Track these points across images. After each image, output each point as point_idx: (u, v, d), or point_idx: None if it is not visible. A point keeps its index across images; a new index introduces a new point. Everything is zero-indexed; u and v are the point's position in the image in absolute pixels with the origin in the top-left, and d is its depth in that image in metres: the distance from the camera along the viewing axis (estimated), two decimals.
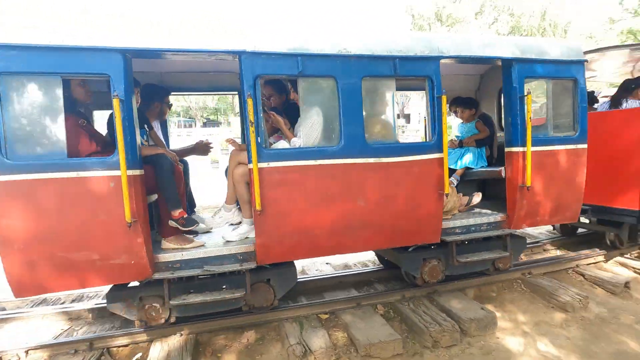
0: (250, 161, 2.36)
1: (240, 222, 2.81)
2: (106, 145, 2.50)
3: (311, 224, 2.56)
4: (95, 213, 2.20)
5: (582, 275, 3.45)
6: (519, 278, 3.36)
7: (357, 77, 2.56)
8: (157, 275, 2.38)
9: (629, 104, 3.75)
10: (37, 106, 2.11)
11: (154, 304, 2.49)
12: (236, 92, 3.69)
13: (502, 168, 3.17)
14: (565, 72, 3.12)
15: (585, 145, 3.16)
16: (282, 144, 2.71)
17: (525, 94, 2.88)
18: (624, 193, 3.52)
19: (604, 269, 3.63)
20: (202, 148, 3.19)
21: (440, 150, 2.76)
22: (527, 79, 2.97)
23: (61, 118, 2.13)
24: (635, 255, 3.92)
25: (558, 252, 4.11)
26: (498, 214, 3.16)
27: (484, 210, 3.33)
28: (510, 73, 2.95)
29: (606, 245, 3.91)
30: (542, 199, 3.06)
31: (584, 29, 23.17)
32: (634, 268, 3.59)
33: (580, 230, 4.56)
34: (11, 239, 2.10)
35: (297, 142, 2.62)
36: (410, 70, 2.70)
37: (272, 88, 3.04)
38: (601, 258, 3.74)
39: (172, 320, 2.58)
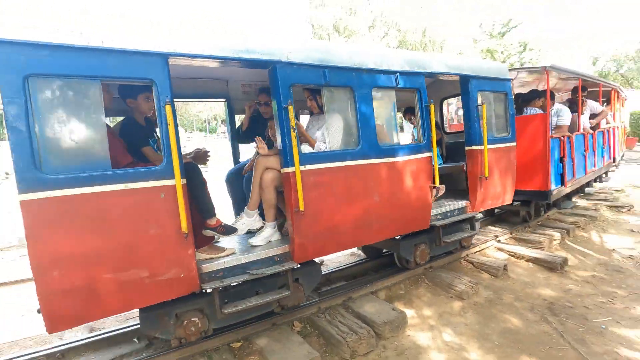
0: (286, 165, 2.51)
1: (261, 227, 2.86)
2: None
3: (339, 220, 2.79)
4: (145, 226, 2.06)
5: (472, 263, 3.89)
6: (422, 273, 3.61)
7: (369, 87, 2.93)
8: (206, 286, 2.32)
9: (529, 111, 4.97)
10: (75, 113, 1.92)
11: (192, 319, 2.37)
12: (223, 100, 3.72)
13: (464, 163, 3.95)
14: (501, 87, 4.02)
15: (515, 143, 4.20)
16: (306, 149, 2.84)
17: (480, 103, 3.69)
18: (530, 179, 4.71)
19: (487, 255, 4.16)
20: (201, 156, 2.91)
21: (430, 150, 3.35)
22: (479, 91, 3.75)
23: (102, 126, 2.00)
24: (510, 238, 4.60)
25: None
26: (463, 201, 3.85)
27: (447, 200, 3.93)
28: (468, 87, 3.70)
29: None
30: (493, 186, 3.94)
31: (456, 46, 27.11)
32: (508, 252, 4.19)
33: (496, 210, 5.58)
34: (48, 265, 1.83)
35: (322, 146, 2.81)
36: (406, 83, 3.18)
37: (266, 95, 3.21)
38: (485, 245, 4.28)
39: (210, 333, 2.49)
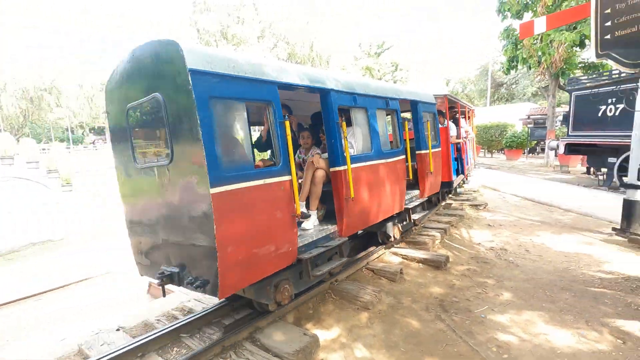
0: (337, 165, 3.39)
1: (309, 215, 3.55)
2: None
3: (365, 205, 3.76)
4: (274, 211, 2.70)
5: (373, 270, 4.05)
6: (329, 288, 3.58)
7: (374, 108, 4.08)
8: (301, 256, 2.95)
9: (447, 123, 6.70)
10: (234, 125, 2.66)
11: (285, 286, 2.96)
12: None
13: (414, 163, 5.35)
14: (432, 109, 5.83)
15: (440, 149, 6.19)
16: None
17: (425, 121, 5.37)
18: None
19: (385, 260, 4.40)
20: None
21: (405, 154, 4.71)
22: (423, 111, 5.34)
23: (247, 135, 2.87)
24: (402, 245, 4.98)
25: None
26: (416, 190, 5.31)
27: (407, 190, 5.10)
28: (417, 108, 5.21)
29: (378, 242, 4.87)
30: (435, 177, 5.82)
31: (340, 62, 29.20)
32: (402, 255, 4.51)
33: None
34: (226, 242, 2.30)
35: (351, 150, 3.70)
36: (390, 105, 4.43)
37: (308, 132, 4.08)
38: (382, 252, 4.53)
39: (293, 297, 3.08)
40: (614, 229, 5.30)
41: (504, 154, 19.64)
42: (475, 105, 40.80)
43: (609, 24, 3.87)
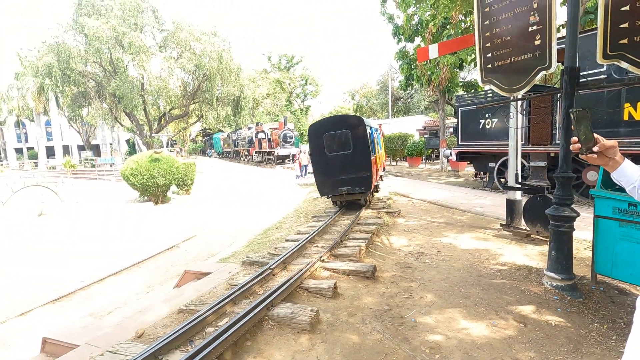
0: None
1: None
2: None
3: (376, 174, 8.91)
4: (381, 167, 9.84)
5: (307, 289, 4.03)
6: (265, 315, 3.44)
7: (373, 132, 8.59)
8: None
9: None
10: (372, 139, 8.48)
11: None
12: None
13: None
14: (377, 131, 9.58)
15: (381, 154, 11.17)
16: None
17: (374, 137, 9.00)
18: None
19: (317, 277, 4.43)
20: None
21: (376, 154, 9.18)
22: (375, 132, 9.10)
23: (372, 143, 8.34)
24: (330, 255, 5.08)
25: (283, 273, 4.66)
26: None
27: None
28: (371, 131, 8.27)
29: None
30: (379, 171, 12.89)
31: (250, 75, 28.91)
32: (332, 269, 4.60)
33: None
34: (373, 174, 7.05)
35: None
36: (373, 130, 8.71)
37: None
38: (312, 268, 4.55)
39: None
40: (501, 224, 6.26)
41: (406, 161, 21.73)
42: (377, 117, 44.39)
43: (489, 55, 4.61)
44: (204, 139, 61.54)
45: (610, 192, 3.52)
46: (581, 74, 4.38)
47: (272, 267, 4.52)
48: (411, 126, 26.90)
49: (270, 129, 30.09)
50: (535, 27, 4.06)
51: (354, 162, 7.63)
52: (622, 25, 3.28)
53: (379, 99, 45.26)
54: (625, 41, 3.29)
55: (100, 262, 7.75)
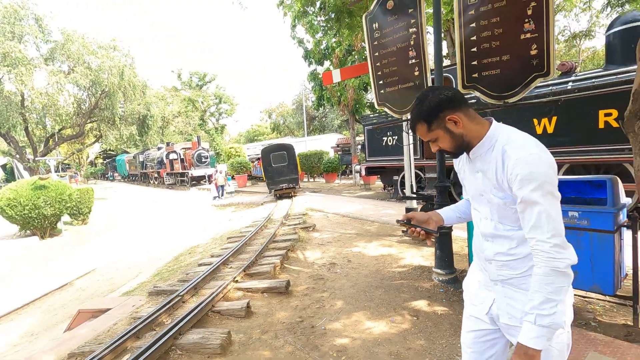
0: None
1: None
2: None
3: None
4: None
5: (219, 312, 3.94)
6: (172, 345, 3.27)
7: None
8: None
9: None
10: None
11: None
12: None
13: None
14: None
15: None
16: None
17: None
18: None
19: (230, 298, 4.36)
20: None
21: None
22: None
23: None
24: (244, 275, 5.04)
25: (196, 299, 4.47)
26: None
27: None
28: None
29: None
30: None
31: (159, 92, 27.26)
32: (245, 289, 4.58)
33: None
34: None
35: None
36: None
37: None
38: (225, 290, 4.47)
39: None
40: (403, 231, 6.97)
41: (323, 178, 22.62)
42: (295, 135, 45.47)
43: (381, 82, 5.24)
44: (105, 161, 55.22)
45: None
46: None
47: (181, 294, 4.31)
48: (326, 144, 28.20)
49: (183, 148, 28.54)
50: (414, 61, 4.78)
51: (288, 170, 14.32)
52: (473, 63, 4.09)
53: (295, 117, 46.54)
54: (476, 75, 4.09)
55: None
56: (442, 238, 4.22)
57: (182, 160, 27.89)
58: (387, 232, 7.45)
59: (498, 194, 1.25)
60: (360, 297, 4.18)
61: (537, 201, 1.11)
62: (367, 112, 19.75)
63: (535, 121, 8.01)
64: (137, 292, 5.70)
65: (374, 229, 7.85)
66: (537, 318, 1.09)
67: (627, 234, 3.35)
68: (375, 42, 5.16)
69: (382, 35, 5.02)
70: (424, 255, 5.59)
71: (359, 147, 20.16)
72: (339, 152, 24.04)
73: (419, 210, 6.48)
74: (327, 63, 18.07)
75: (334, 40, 15.64)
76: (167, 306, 4.04)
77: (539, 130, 7.97)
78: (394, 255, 5.73)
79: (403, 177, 11.10)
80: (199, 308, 3.80)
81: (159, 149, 31.45)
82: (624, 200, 3.46)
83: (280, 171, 14.27)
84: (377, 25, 5.04)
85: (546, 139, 7.81)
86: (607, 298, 3.62)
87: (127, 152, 44.09)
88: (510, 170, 1.16)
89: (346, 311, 3.87)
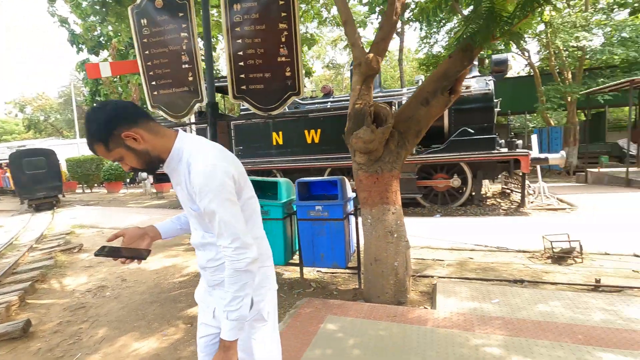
0: None
1: None
2: None
3: None
4: None
5: None
6: None
7: None
8: None
9: None
10: None
11: None
12: None
13: None
14: None
15: None
16: None
17: None
18: None
19: None
20: None
21: None
22: None
23: None
24: None
25: None
26: None
27: None
28: None
29: None
30: None
31: None
32: None
33: None
34: None
35: None
36: None
37: None
38: None
39: None
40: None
41: (104, 187, 19.16)
42: (65, 136, 36.68)
43: (154, 83, 4.91)
44: None
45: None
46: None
47: None
48: None
49: None
50: (187, 66, 4.74)
51: (48, 176, 12.21)
52: (241, 76, 4.45)
53: (64, 114, 37.44)
54: (244, 87, 4.46)
55: None
56: None
57: None
58: (176, 241, 7.07)
59: (193, 206, 1.29)
60: (129, 318, 3.76)
61: (215, 210, 1.16)
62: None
63: (306, 132, 9.54)
64: None
65: (163, 240, 7.28)
66: (228, 314, 1.21)
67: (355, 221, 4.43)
68: (145, 40, 4.80)
69: (152, 33, 4.73)
70: None
71: None
72: None
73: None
74: (105, 53, 15.40)
75: (110, 28, 13.52)
76: None
77: (309, 140, 9.54)
78: (178, 266, 5.49)
79: None
80: None
81: None
82: (350, 194, 4.60)
83: (37, 178, 12.05)
84: (145, 22, 4.70)
85: (314, 148, 9.44)
86: (345, 271, 4.70)
87: None
88: (193, 183, 1.20)
89: (110, 338, 3.39)
